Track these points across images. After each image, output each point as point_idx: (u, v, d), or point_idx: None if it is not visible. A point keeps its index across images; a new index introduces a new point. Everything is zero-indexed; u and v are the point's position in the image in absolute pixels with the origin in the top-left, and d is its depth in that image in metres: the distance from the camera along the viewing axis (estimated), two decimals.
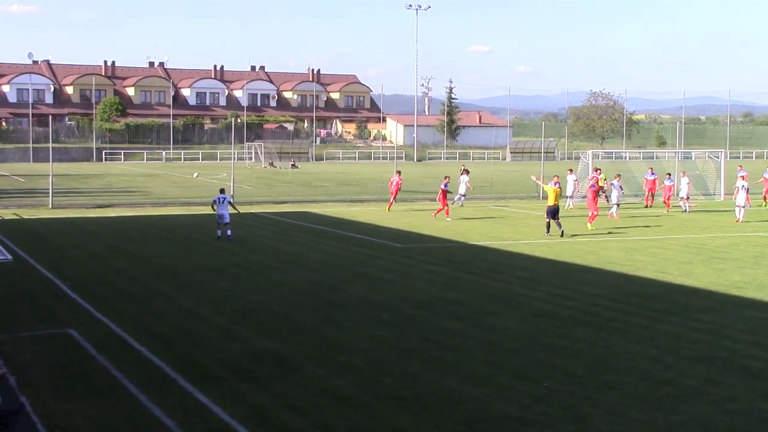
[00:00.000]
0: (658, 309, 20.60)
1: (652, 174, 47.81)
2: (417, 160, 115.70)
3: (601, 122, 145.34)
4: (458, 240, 33.03)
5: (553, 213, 33.58)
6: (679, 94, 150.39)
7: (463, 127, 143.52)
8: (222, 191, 33.64)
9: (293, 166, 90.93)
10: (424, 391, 14.25)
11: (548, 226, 33.63)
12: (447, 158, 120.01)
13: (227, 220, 32.20)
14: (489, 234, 34.84)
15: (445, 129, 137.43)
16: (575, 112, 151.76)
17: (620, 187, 42.42)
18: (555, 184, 34.17)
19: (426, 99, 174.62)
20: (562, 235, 32.89)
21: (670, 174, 47.89)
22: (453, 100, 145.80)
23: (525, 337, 17.89)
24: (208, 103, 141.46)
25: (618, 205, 41.81)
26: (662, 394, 14.10)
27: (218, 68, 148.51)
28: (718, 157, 55.20)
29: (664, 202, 45.44)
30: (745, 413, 13.21)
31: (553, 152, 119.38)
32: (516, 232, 35.72)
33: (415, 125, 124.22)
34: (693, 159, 60.18)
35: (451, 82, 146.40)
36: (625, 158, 71.75)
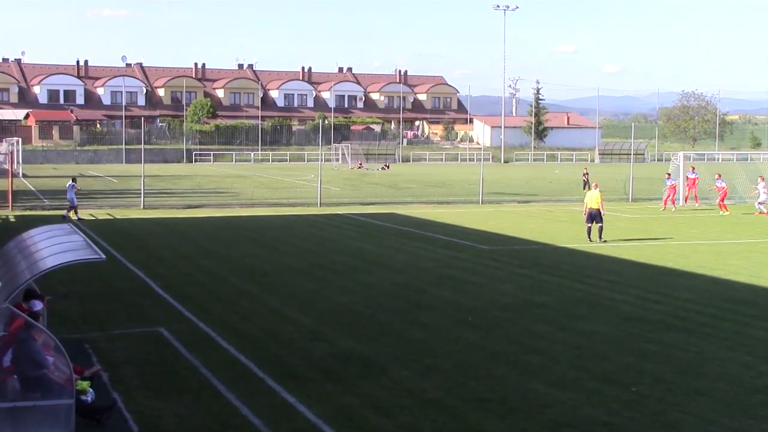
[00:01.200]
0: (752, 314, 20.14)
1: (693, 173, 47.65)
2: (504, 162, 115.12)
3: (693, 123, 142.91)
4: (545, 242, 32.76)
5: (592, 217, 32.62)
6: None
7: (551, 128, 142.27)
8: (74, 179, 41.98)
9: (384, 167, 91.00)
10: (509, 394, 14.16)
11: (589, 231, 32.82)
12: (534, 160, 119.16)
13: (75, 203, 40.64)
14: (576, 237, 34.44)
15: (532, 130, 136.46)
16: (666, 113, 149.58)
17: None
18: (595, 188, 33.47)
19: (513, 100, 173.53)
20: (601, 240, 32.20)
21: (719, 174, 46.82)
22: (540, 101, 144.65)
23: (613, 342, 17.66)
24: (296, 105, 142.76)
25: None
26: (756, 401, 13.79)
27: (306, 70, 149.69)
28: None
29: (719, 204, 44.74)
30: None
31: (643, 154, 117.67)
32: (605, 234, 35.20)
33: (503, 126, 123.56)
34: None
35: (538, 82, 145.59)
36: (718, 160, 70.35)
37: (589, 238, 32.62)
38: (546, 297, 22.24)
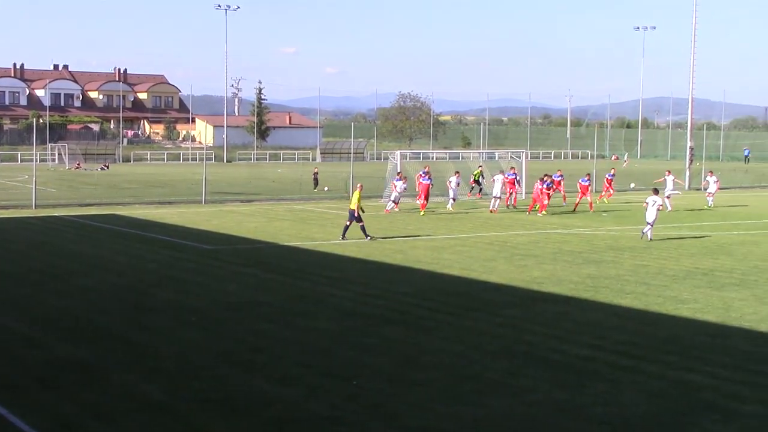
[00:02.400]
0: (464, 306, 21.21)
1: (512, 173, 49.47)
2: (227, 161, 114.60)
3: (409, 123, 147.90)
4: (268, 241, 32.98)
5: (352, 216, 33.30)
6: (483, 96, 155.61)
7: (273, 128, 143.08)
8: None
9: (104, 168, 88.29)
10: (233, 394, 14.18)
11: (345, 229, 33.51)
12: (257, 159, 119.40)
13: None
14: (298, 235, 34.94)
15: (255, 130, 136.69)
16: (384, 113, 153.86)
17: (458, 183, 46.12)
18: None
19: (236, 100, 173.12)
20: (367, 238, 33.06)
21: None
22: (263, 101, 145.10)
23: (335, 337, 18.06)
24: (7, 103, 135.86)
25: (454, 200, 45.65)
26: (467, 388, 14.53)
27: (18, 66, 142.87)
28: (519, 157, 57.14)
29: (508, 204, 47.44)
30: (545, 404, 13.78)
31: (363, 153, 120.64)
32: (326, 232, 35.94)
33: (225, 126, 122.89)
34: (497, 159, 62.07)
35: (260, 83, 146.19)
36: (433, 158, 73.22)
37: (343, 236, 33.11)
38: (269, 295, 22.42)
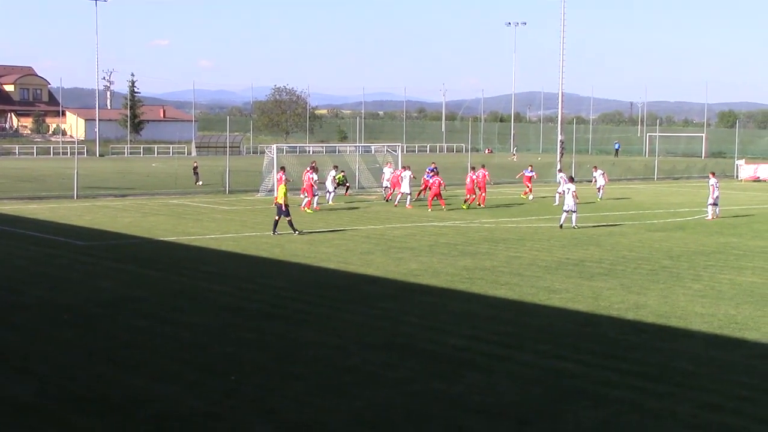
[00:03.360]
0: (342, 299, 21.31)
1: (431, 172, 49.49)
2: (99, 155, 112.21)
3: (285, 117, 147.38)
4: (143, 236, 32.47)
5: (279, 211, 33.27)
6: (359, 90, 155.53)
7: (147, 121, 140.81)
8: None
9: None
10: (109, 392, 13.93)
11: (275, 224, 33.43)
12: (131, 153, 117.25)
13: None
14: (174, 229, 34.50)
15: (128, 123, 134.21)
16: (260, 107, 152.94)
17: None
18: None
19: (108, 93, 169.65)
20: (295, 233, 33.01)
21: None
22: (136, 94, 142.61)
23: (213, 333, 17.93)
24: None
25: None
26: (346, 381, 14.62)
27: None
28: (395, 151, 57.59)
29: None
30: (422, 394, 13.96)
31: (239, 147, 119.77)
32: (202, 227, 35.61)
33: (97, 119, 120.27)
34: (373, 152, 62.43)
35: (133, 75, 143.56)
36: (309, 152, 73.22)
37: (274, 231, 33.02)
38: (145, 291, 22.10)
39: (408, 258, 27.64)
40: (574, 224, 35.28)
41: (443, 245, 30.56)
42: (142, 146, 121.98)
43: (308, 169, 43.52)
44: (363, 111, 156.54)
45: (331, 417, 12.92)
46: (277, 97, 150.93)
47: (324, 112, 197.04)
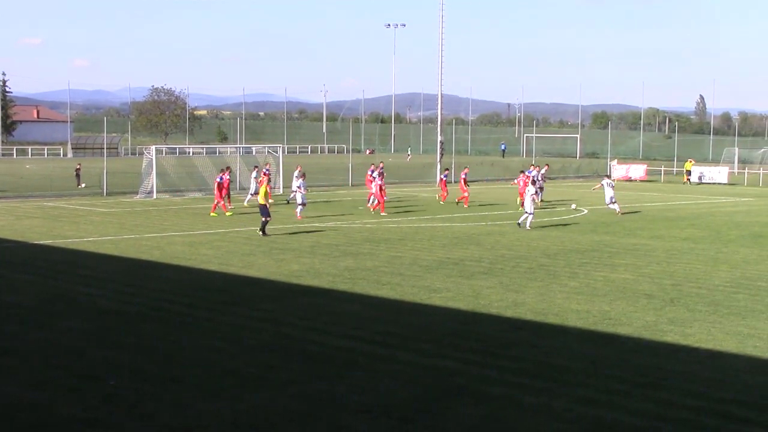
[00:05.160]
0: (223, 301, 21.13)
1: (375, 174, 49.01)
2: None
3: (164, 118, 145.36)
4: (16, 239, 31.59)
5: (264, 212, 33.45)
6: (239, 90, 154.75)
7: (20, 122, 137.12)
8: None
9: None
10: None
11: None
12: (3, 155, 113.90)
13: None
14: (50, 233, 33.66)
15: (0, 124, 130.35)
16: (138, 108, 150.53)
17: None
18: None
19: None
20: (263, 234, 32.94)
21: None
22: (8, 94, 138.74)
23: (90, 337, 17.57)
24: None
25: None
26: (227, 384, 14.51)
27: None
28: (277, 152, 57.39)
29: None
30: (304, 395, 13.95)
31: (117, 148, 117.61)
32: (79, 229, 34.84)
33: None
34: (254, 154, 62.07)
35: (4, 74, 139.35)
36: (189, 153, 72.30)
37: (264, 233, 33.02)
38: (19, 296, 21.51)
39: (290, 259, 27.58)
40: (528, 226, 36.14)
41: (325, 246, 30.59)
42: (15, 147, 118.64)
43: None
44: (243, 112, 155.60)
45: (213, 420, 12.80)
46: (156, 97, 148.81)
47: (204, 112, 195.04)
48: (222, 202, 41.45)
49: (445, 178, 51.37)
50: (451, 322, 19.27)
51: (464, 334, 18.15)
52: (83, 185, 57.30)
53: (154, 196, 49.55)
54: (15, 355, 16.17)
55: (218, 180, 41.99)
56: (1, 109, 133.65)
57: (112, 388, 14.14)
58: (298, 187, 40.63)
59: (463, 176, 47.75)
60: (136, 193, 50.50)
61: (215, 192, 41.74)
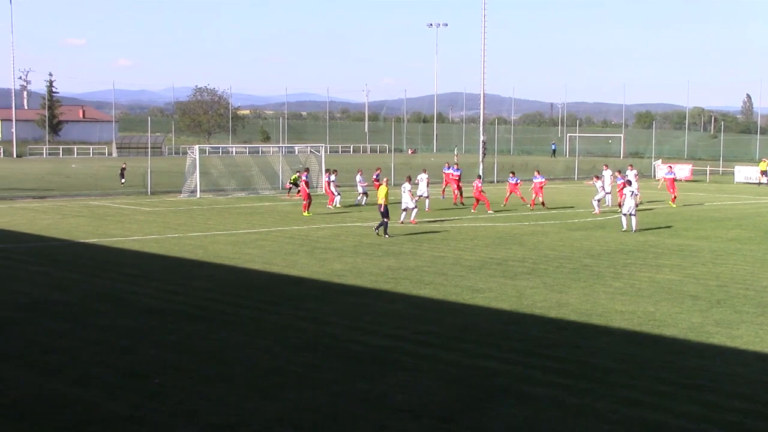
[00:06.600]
0: (266, 300, 21.20)
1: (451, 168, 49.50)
2: (17, 156, 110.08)
3: (207, 117, 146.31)
4: (63, 238, 31.92)
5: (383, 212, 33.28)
6: (282, 90, 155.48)
7: (66, 122, 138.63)
8: None
9: None
10: (23, 398, 13.65)
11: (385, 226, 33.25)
12: (50, 154, 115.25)
13: None
14: (95, 231, 33.98)
15: (47, 123, 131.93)
16: (181, 108, 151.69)
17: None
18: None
19: (25, 92, 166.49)
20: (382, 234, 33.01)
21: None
22: (54, 94, 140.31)
23: (135, 335, 17.70)
24: None
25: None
26: (271, 382, 14.55)
27: None
28: (319, 152, 57.50)
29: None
30: (347, 394, 13.96)
31: (161, 147, 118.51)
32: (124, 228, 35.15)
33: (14, 120, 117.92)
34: (296, 153, 62.25)
35: (51, 75, 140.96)
36: (232, 153, 72.72)
37: (385, 234, 32.99)
38: (65, 294, 21.72)
39: (332, 259, 27.61)
40: (634, 228, 35.50)
41: (367, 245, 30.59)
42: (61, 147, 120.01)
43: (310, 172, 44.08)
44: (286, 111, 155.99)
45: (255, 418, 12.84)
46: (199, 97, 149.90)
47: (246, 112, 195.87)
48: (306, 202, 41.43)
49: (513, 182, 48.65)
50: (494, 322, 19.19)
51: (507, 335, 18.06)
52: (123, 181, 58.38)
53: (198, 195, 49.90)
54: (62, 353, 16.33)
55: (305, 179, 42.12)
56: (48, 110, 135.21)
57: (157, 386, 14.23)
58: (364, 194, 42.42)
59: (479, 184, 46.51)
60: (180, 192, 50.87)
61: (303, 192, 41.64)
